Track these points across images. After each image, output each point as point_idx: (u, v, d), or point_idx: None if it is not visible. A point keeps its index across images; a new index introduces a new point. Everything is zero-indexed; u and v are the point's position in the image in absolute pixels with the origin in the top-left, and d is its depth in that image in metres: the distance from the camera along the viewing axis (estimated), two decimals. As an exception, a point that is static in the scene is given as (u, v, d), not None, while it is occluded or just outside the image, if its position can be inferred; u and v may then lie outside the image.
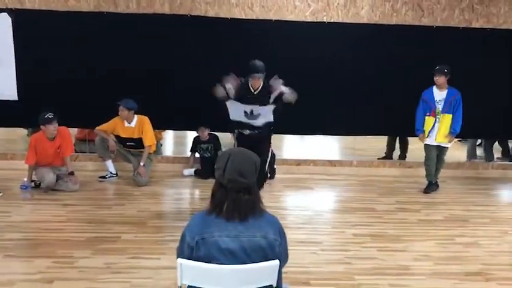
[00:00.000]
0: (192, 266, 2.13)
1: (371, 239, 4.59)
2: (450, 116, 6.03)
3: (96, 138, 6.30)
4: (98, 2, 6.49)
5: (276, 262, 2.14)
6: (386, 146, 7.66)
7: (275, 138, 6.47)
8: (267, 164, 5.30)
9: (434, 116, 6.08)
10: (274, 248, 2.15)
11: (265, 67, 4.92)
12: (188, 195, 6.14)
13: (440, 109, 6.05)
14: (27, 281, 3.49)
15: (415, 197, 6.03)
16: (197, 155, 6.77)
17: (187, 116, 6.66)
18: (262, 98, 4.95)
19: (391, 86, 6.76)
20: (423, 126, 6.15)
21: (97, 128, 6.22)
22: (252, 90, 4.98)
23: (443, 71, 5.97)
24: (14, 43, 6.40)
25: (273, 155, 6.24)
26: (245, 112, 4.94)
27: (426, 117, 6.13)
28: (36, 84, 6.42)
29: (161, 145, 7.72)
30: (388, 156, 7.58)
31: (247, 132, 5.05)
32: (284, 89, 4.96)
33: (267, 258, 2.13)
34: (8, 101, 6.52)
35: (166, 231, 4.63)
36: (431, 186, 6.32)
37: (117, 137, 6.21)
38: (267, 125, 5.03)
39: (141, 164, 6.12)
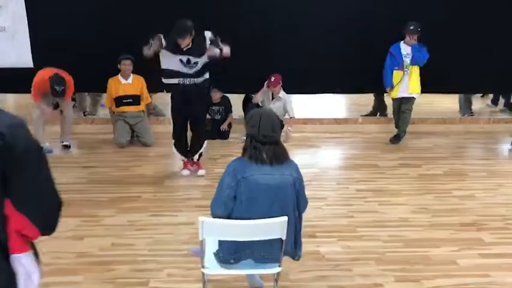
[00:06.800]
0: (212, 222, 2.44)
1: (373, 193, 4.90)
2: (417, 67, 6.39)
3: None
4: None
5: (285, 218, 2.46)
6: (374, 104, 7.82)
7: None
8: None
9: (403, 69, 6.37)
10: (296, 184, 2.69)
11: (192, 26, 4.79)
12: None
13: (409, 62, 6.36)
14: (61, 238, 3.84)
15: (417, 153, 6.30)
16: (207, 116, 7.00)
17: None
18: (194, 51, 4.87)
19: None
20: (392, 81, 6.44)
21: (107, 106, 6.61)
22: (182, 47, 4.85)
23: (418, 30, 6.24)
24: (26, 12, 6.59)
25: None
26: (181, 61, 4.87)
27: (394, 72, 6.42)
28: (50, 51, 6.63)
29: (155, 106, 7.79)
30: (375, 113, 7.76)
31: (181, 81, 4.92)
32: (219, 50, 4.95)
33: (294, 192, 2.66)
34: (24, 68, 6.76)
35: (182, 190, 4.98)
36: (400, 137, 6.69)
37: (115, 98, 6.41)
38: (204, 78, 5.01)
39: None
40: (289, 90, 7.05)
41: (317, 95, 8.05)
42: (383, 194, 4.90)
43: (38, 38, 6.68)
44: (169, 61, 4.92)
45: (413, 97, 6.55)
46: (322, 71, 6.86)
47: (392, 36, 6.45)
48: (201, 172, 5.40)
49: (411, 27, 6.28)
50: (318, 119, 7.40)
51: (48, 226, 1.72)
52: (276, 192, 2.59)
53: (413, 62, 6.37)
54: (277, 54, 6.77)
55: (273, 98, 6.70)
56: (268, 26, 6.75)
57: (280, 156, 2.67)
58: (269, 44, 6.76)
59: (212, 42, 4.96)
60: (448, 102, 8.51)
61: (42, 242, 3.70)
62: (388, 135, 7.03)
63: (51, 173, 1.70)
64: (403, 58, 6.40)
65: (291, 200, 2.65)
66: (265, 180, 2.59)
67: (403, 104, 6.57)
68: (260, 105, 6.61)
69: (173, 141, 5.33)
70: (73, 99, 7.15)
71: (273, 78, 6.48)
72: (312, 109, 8.14)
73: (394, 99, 6.68)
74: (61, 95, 5.83)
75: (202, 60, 4.96)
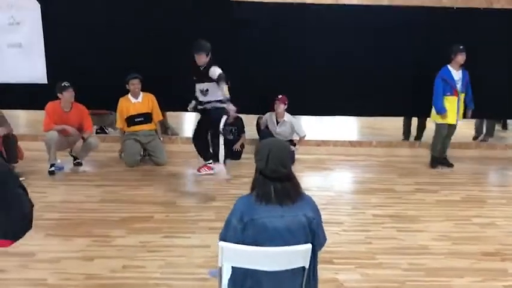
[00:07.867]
0: (232, 248, 2.33)
1: (391, 219, 4.77)
2: (463, 94, 6.33)
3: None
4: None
5: (309, 246, 2.34)
6: (403, 128, 7.74)
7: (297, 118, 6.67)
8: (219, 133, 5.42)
9: (457, 95, 6.23)
10: (311, 225, 2.40)
11: (210, 47, 5.13)
12: (210, 176, 6.15)
13: (459, 88, 6.24)
14: (70, 259, 3.76)
15: (434, 178, 6.17)
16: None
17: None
18: (207, 76, 5.19)
19: (409, 67, 6.83)
20: (444, 106, 6.27)
21: (119, 127, 6.57)
22: (200, 67, 5.21)
23: (465, 50, 6.11)
24: (43, 29, 6.62)
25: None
26: (200, 91, 5.32)
27: (446, 97, 6.25)
28: (64, 68, 6.63)
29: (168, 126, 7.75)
30: (406, 139, 7.68)
31: (207, 106, 5.35)
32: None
33: (307, 234, 2.39)
34: (38, 84, 6.76)
35: (194, 211, 4.86)
36: (440, 161, 6.61)
37: (127, 118, 6.37)
38: (215, 103, 5.24)
39: (160, 139, 6.59)
40: (304, 112, 7.05)
41: (330, 117, 8.03)
42: (401, 219, 4.77)
43: (53, 55, 6.70)
44: (196, 91, 5.38)
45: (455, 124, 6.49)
46: (337, 94, 6.87)
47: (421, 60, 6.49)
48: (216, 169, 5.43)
49: (461, 47, 6.11)
50: (332, 141, 7.30)
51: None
52: (285, 237, 2.34)
53: (463, 89, 6.27)
54: (289, 75, 6.76)
55: (278, 123, 6.64)
56: (279, 46, 6.75)
57: (291, 195, 2.39)
58: (281, 65, 6.75)
59: (217, 79, 5.08)
60: (464, 127, 8.38)
61: (51, 263, 3.65)
62: (403, 159, 6.92)
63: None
64: (456, 84, 6.24)
65: (303, 243, 2.38)
66: (273, 223, 2.34)
67: (450, 130, 6.47)
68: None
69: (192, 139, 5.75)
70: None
71: (280, 96, 6.49)
72: (326, 131, 8.06)
73: (442, 125, 6.39)
74: (69, 88, 5.88)
75: (211, 87, 5.21)
